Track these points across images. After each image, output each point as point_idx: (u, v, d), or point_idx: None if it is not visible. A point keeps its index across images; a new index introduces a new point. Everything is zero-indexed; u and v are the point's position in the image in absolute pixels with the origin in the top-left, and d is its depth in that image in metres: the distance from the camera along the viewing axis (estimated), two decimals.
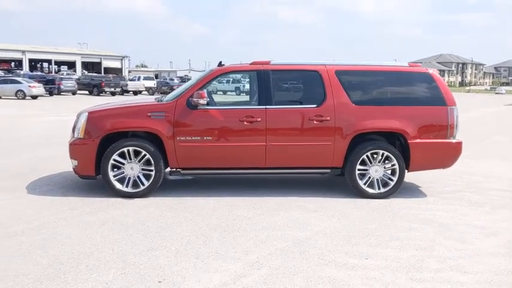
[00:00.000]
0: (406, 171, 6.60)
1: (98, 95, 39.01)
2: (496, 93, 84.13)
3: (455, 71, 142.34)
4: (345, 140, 6.40)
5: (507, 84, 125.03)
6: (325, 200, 6.41)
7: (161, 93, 43.33)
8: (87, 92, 40.74)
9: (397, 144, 6.73)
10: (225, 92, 30.59)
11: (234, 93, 30.31)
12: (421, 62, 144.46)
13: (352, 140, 6.45)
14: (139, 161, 6.29)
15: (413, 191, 7.05)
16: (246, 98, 6.91)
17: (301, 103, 6.51)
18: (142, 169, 6.32)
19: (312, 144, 6.41)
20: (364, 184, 6.53)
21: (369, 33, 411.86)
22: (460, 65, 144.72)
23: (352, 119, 6.40)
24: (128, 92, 41.54)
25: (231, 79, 29.77)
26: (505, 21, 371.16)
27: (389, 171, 6.60)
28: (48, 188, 6.76)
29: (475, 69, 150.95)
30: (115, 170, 6.30)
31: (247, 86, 7.44)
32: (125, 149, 6.23)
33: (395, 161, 6.49)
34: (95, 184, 6.78)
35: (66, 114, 19.21)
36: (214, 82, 6.60)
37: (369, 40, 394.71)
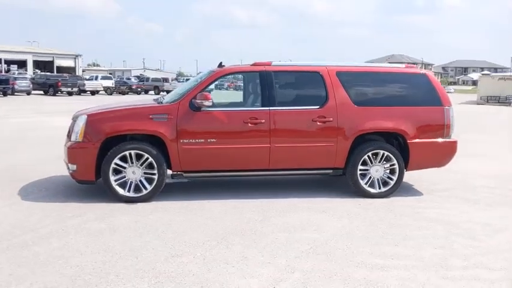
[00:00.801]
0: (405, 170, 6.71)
1: (54, 95, 37.72)
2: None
3: None
4: (347, 141, 6.47)
5: (454, 83, 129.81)
6: (328, 200, 6.45)
7: (119, 93, 42.51)
8: (42, 92, 39.30)
9: (395, 144, 6.84)
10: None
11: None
12: (373, 62, 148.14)
13: (354, 140, 6.51)
14: (141, 165, 6.13)
15: (408, 189, 7.19)
16: (246, 99, 6.82)
17: (303, 104, 6.52)
18: (145, 173, 6.16)
19: (315, 145, 6.44)
20: (365, 184, 6.61)
21: (322, 34, 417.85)
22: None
23: (354, 119, 6.47)
24: (85, 91, 40.42)
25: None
26: (448, 23, 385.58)
27: (388, 171, 6.69)
28: (42, 194, 6.49)
29: (425, 69, 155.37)
30: (116, 174, 6.09)
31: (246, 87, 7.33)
32: (127, 153, 6.06)
33: (395, 161, 6.60)
34: (90, 189, 6.58)
35: (32, 115, 18.49)
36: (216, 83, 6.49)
37: (323, 40, 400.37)
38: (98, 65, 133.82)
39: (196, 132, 6.19)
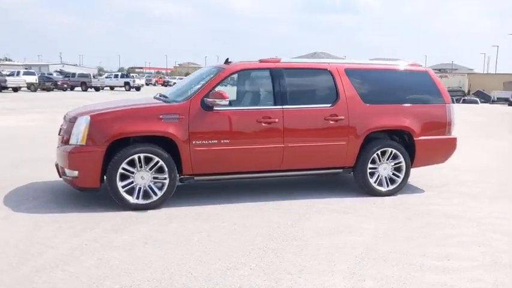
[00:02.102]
0: None
1: None
2: None
3: None
4: (358, 139, 6.37)
5: None
6: (341, 200, 6.33)
7: (43, 90, 40.11)
8: None
9: (399, 141, 6.84)
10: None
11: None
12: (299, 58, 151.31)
13: (365, 138, 6.43)
14: (150, 169, 5.66)
15: (407, 186, 7.19)
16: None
17: (314, 102, 6.34)
18: (154, 178, 5.69)
19: (328, 144, 6.29)
20: (375, 182, 6.55)
21: (245, 30, 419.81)
22: None
23: (364, 117, 6.38)
24: (6, 88, 37.66)
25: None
26: (367, 23, 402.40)
27: (394, 169, 6.68)
28: (34, 203, 5.82)
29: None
30: (122, 180, 5.60)
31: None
32: (136, 156, 5.56)
33: (402, 159, 6.60)
34: (82, 196, 6.06)
35: None
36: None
37: (246, 37, 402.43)
38: (10, 60, 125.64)
39: (209, 132, 5.81)
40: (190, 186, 6.49)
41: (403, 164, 6.63)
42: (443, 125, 6.82)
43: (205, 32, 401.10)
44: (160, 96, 6.67)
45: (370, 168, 6.53)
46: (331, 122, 6.26)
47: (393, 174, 6.68)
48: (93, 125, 5.48)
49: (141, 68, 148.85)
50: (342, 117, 6.29)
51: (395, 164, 6.64)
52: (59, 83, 42.24)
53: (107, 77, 50.52)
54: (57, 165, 5.97)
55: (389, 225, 5.32)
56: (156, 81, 71.10)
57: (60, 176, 5.99)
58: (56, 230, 4.88)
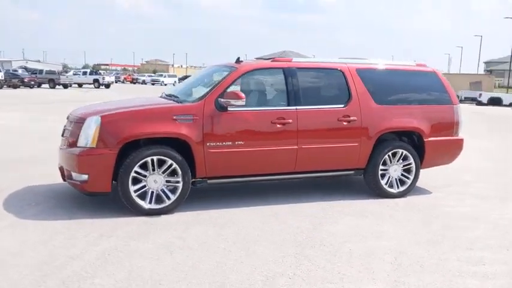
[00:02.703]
0: None
1: None
2: None
3: None
4: (370, 141, 6.29)
5: None
6: (352, 203, 6.25)
7: (9, 87, 38.79)
8: None
9: (407, 142, 6.79)
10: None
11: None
12: (263, 58, 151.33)
13: (377, 140, 6.35)
14: (163, 172, 5.42)
15: (414, 187, 7.15)
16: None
17: (327, 103, 6.22)
18: (167, 181, 5.46)
19: (340, 145, 6.18)
20: (385, 184, 6.48)
21: (213, 28, 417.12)
22: None
23: (376, 118, 6.31)
24: None
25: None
26: (334, 22, 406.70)
27: (403, 170, 6.63)
28: (38, 209, 5.51)
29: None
30: (134, 184, 5.35)
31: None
32: (149, 159, 5.31)
33: (412, 160, 6.56)
34: (87, 200, 5.78)
35: None
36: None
37: (214, 35, 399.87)
38: None
39: (223, 134, 5.61)
40: (199, 190, 6.26)
41: (413, 165, 6.59)
42: (451, 126, 6.81)
43: (173, 29, 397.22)
44: (167, 95, 6.41)
45: (381, 170, 6.45)
46: (344, 123, 6.15)
47: (402, 175, 6.62)
48: (104, 126, 5.20)
49: (107, 64, 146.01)
50: (355, 118, 6.19)
51: (404, 165, 6.59)
52: (25, 80, 40.81)
53: (74, 74, 49.20)
54: (61, 169, 5.65)
55: (410, 229, 5.25)
56: (125, 79, 69.74)
57: (65, 180, 5.68)
58: (71, 238, 4.60)
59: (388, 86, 6.59)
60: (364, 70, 6.46)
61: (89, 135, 5.21)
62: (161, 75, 68.54)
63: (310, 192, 6.66)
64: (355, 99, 6.24)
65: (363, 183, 6.74)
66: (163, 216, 5.37)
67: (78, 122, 5.41)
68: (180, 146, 5.50)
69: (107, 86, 46.23)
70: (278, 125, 5.81)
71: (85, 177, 5.23)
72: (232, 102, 5.51)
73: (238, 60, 6.22)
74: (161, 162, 5.40)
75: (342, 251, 4.49)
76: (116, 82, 61.04)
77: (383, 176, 6.49)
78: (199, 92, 5.96)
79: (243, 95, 5.46)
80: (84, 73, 48.21)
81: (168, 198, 5.45)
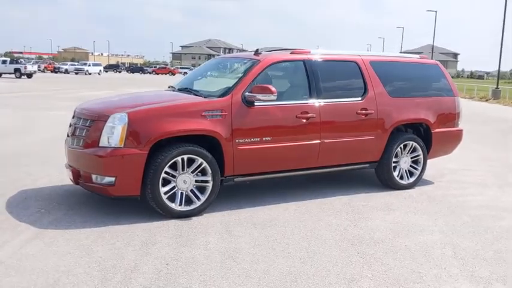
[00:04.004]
0: None
1: None
2: None
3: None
4: (385, 133, 6.31)
5: None
6: (371, 196, 6.26)
7: None
8: None
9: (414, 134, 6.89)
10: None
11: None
12: (192, 46, 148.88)
13: (391, 132, 6.37)
14: (192, 172, 5.10)
15: None
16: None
17: (346, 96, 6.14)
18: (196, 181, 5.15)
19: (359, 139, 6.15)
20: (397, 176, 6.54)
21: (130, 14, 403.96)
22: (227, 50, 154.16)
23: (390, 111, 6.33)
24: None
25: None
26: (249, 11, 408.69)
27: (412, 162, 6.72)
28: (52, 217, 5.02)
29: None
30: (164, 185, 5.00)
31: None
32: (179, 158, 4.97)
33: (420, 152, 6.66)
34: (100, 204, 5.38)
35: None
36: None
37: (131, 21, 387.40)
38: None
39: (252, 129, 5.38)
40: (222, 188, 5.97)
41: (421, 156, 6.70)
42: (453, 117, 6.98)
43: (91, 16, 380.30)
44: (181, 89, 6.03)
45: (394, 162, 6.49)
46: (362, 116, 6.11)
47: (411, 166, 6.70)
48: (132, 124, 4.79)
49: (21, 52, 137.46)
50: (372, 111, 6.16)
51: (413, 157, 6.67)
52: None
53: (28, 63, 45.64)
54: (74, 171, 5.14)
55: (444, 221, 5.31)
56: (46, 68, 65.76)
57: (77, 183, 5.19)
58: (112, 248, 4.21)
59: (399, 78, 6.63)
60: (377, 62, 6.44)
61: (114, 134, 4.77)
62: (85, 64, 65.46)
63: (319, 187, 6.58)
64: (371, 92, 6.21)
65: (364, 176, 6.75)
66: (194, 219, 5.07)
67: (99, 120, 4.93)
68: (207, 144, 5.18)
69: (29, 75, 43.36)
70: (303, 120, 5.64)
71: (111, 179, 4.79)
72: (261, 96, 5.26)
73: (257, 52, 5.97)
74: (190, 162, 5.06)
75: (399, 248, 4.44)
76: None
77: (395, 168, 6.52)
78: (219, 85, 5.66)
79: (274, 89, 5.23)
80: (4, 62, 44.78)
81: (198, 199, 5.14)
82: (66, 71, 63.63)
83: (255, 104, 5.36)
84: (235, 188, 6.02)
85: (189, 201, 5.11)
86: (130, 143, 4.76)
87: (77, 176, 5.15)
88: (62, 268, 3.77)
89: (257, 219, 5.11)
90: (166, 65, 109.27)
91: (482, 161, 8.96)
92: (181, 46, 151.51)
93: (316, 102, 5.78)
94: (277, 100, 5.55)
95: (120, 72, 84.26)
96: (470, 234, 4.90)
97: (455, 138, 7.08)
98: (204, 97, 5.39)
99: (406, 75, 6.70)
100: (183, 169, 5.03)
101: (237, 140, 5.24)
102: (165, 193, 4.96)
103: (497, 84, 33.22)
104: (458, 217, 5.44)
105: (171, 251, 4.16)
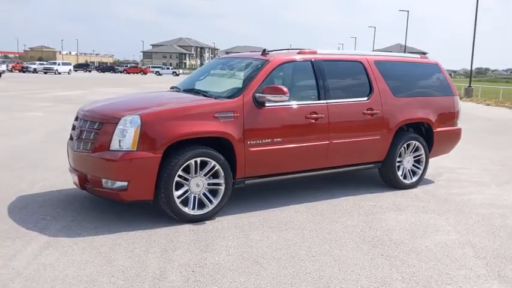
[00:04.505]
0: None
1: None
2: None
3: (195, 55, 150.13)
4: (390, 133, 6.32)
5: None
6: (376, 196, 6.25)
7: None
8: None
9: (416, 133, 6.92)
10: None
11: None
12: (163, 45, 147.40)
13: (395, 132, 6.38)
14: (205, 175, 4.99)
15: None
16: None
17: (352, 96, 6.11)
18: (209, 184, 5.04)
19: (365, 139, 6.14)
20: (401, 176, 6.56)
21: (99, 12, 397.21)
22: (199, 49, 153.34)
23: (394, 111, 6.34)
24: None
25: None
26: (219, 9, 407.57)
27: (414, 161, 6.75)
28: (60, 224, 4.82)
29: (211, 53, 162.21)
30: (177, 189, 4.88)
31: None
32: (192, 161, 4.85)
33: (422, 151, 6.70)
34: (106, 208, 5.23)
35: None
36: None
37: (100, 19, 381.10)
38: None
39: (263, 131, 5.30)
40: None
41: (423, 155, 6.73)
42: (453, 116, 7.04)
43: (59, 14, 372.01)
44: (187, 90, 5.90)
45: (397, 162, 6.50)
46: (368, 116, 6.09)
47: (414, 166, 6.73)
48: (146, 126, 4.64)
49: None
50: (378, 111, 6.16)
51: (415, 156, 6.70)
52: None
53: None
54: (80, 175, 4.96)
55: (455, 220, 5.34)
56: (13, 67, 63.96)
57: (83, 188, 5.01)
58: (132, 255, 4.07)
59: (402, 78, 6.64)
60: (381, 62, 6.44)
61: (126, 137, 4.62)
62: (54, 63, 63.94)
63: (328, 187, 6.56)
64: (376, 92, 6.20)
65: (366, 175, 6.78)
66: (207, 223, 4.95)
67: (108, 122, 4.76)
68: (218, 146, 5.08)
69: None
70: (312, 120, 5.59)
71: (123, 184, 4.64)
72: (272, 97, 5.17)
73: (264, 52, 5.88)
74: (203, 164, 4.94)
75: (420, 249, 4.43)
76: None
77: (398, 167, 6.54)
78: (227, 86, 5.56)
79: (286, 89, 5.16)
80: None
81: (211, 202, 5.02)
82: (35, 71, 62.07)
83: (266, 104, 5.26)
84: (241, 190, 5.90)
85: (201, 204, 4.99)
86: (144, 146, 4.61)
87: (83, 181, 4.96)
88: (85, 278, 3.60)
89: (271, 222, 5.02)
90: (137, 64, 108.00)
91: (474, 159, 9.07)
92: (152, 45, 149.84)
93: (324, 103, 5.73)
94: (286, 101, 5.47)
95: (90, 71, 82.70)
96: (485, 233, 4.92)
97: (455, 137, 7.14)
98: (215, 98, 5.27)
99: (408, 75, 6.72)
100: (195, 172, 4.90)
101: (248, 142, 5.15)
102: (178, 197, 4.82)
103: (470, 83, 33.96)
104: (468, 216, 5.47)
105: (193, 257, 4.04)
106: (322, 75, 5.80)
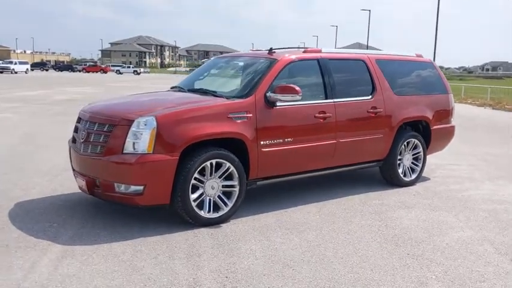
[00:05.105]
0: None
1: None
2: None
3: (155, 53, 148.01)
4: (392, 132, 6.36)
5: (199, 65, 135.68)
6: (380, 194, 6.29)
7: None
8: None
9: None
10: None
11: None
12: (122, 43, 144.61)
13: (397, 130, 6.43)
14: (219, 177, 4.88)
15: None
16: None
17: (357, 95, 6.11)
18: (223, 186, 4.93)
19: (369, 138, 6.16)
20: (401, 173, 6.62)
21: (55, 9, 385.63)
22: (159, 47, 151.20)
23: (396, 109, 6.39)
24: None
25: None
26: (180, 7, 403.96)
27: (413, 159, 6.83)
28: (72, 232, 4.60)
29: (172, 52, 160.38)
30: (192, 192, 4.75)
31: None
32: (208, 163, 4.73)
33: (421, 148, 6.78)
34: (115, 213, 5.05)
35: None
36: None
37: (56, 17, 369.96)
38: None
39: (275, 131, 5.23)
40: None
41: (422, 153, 6.81)
42: (448, 113, 7.16)
43: (12, 11, 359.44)
44: (192, 90, 5.75)
45: (398, 160, 6.55)
46: (372, 115, 6.11)
47: (412, 163, 6.80)
48: (162, 128, 4.48)
49: None
50: (381, 109, 6.19)
51: (414, 154, 6.78)
52: None
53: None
54: (89, 180, 4.74)
55: (464, 217, 5.41)
56: None
57: (92, 193, 4.80)
58: (157, 262, 3.93)
59: (401, 76, 6.70)
60: (382, 61, 6.47)
61: (142, 139, 4.45)
62: (11, 62, 61.62)
63: (332, 186, 6.55)
64: (378, 90, 6.22)
65: (359, 174, 6.93)
66: (223, 226, 4.84)
67: (120, 124, 4.57)
68: (230, 147, 4.97)
69: None
70: (320, 120, 5.56)
71: (139, 188, 4.46)
72: (284, 97, 5.10)
73: (271, 50, 5.79)
74: (217, 166, 4.82)
75: (442, 247, 4.45)
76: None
77: (399, 165, 6.59)
78: (236, 85, 5.45)
79: (299, 88, 5.09)
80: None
81: (226, 205, 4.91)
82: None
83: (277, 104, 5.19)
84: (248, 192, 5.81)
85: (216, 207, 4.86)
86: (160, 149, 4.45)
87: (92, 186, 4.74)
88: None
89: (287, 224, 4.96)
90: (95, 62, 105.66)
91: (459, 155, 9.26)
92: (111, 43, 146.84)
93: (331, 102, 5.70)
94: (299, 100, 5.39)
95: (47, 70, 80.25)
96: (497, 228, 5.00)
97: (450, 134, 7.26)
98: (226, 98, 5.15)
99: (406, 73, 6.79)
100: (210, 174, 4.78)
101: (261, 142, 5.07)
102: (194, 200, 4.69)
103: None
104: (475, 212, 5.55)
105: (222, 263, 3.93)
106: (329, 74, 5.77)
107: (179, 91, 5.90)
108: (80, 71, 76.68)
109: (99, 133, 4.72)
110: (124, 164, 4.43)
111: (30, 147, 8.87)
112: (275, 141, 5.18)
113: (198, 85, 5.93)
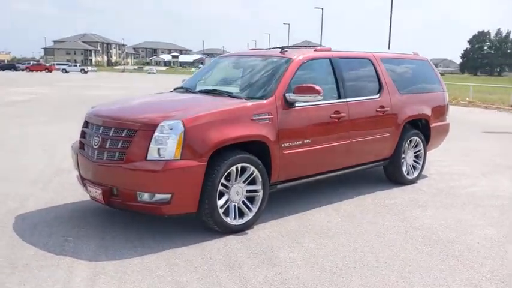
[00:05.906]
0: None
1: None
2: (148, 73, 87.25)
3: (101, 51, 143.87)
4: (398, 130, 6.37)
5: (148, 64, 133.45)
6: (388, 193, 6.28)
7: None
8: None
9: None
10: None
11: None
12: (66, 41, 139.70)
13: (402, 128, 6.44)
14: (244, 181, 4.69)
15: None
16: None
17: (366, 94, 6.06)
18: (247, 191, 4.74)
19: (378, 137, 6.13)
20: (404, 171, 6.65)
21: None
22: (105, 45, 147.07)
23: (401, 107, 6.40)
24: None
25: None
26: (126, 4, 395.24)
27: (414, 156, 6.87)
28: (93, 245, 4.27)
29: (119, 50, 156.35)
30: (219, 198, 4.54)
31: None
32: (234, 168, 4.53)
33: (421, 146, 6.83)
34: (129, 224, 4.78)
35: None
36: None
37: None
38: None
39: (295, 132, 5.09)
40: None
41: (422, 151, 6.86)
42: (444, 111, 7.25)
43: None
44: (203, 91, 5.50)
45: (402, 158, 6.56)
46: (380, 114, 6.08)
47: (414, 161, 6.84)
48: (189, 132, 4.23)
49: None
50: (388, 108, 6.17)
51: (415, 151, 6.81)
52: None
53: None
54: (105, 189, 4.42)
55: (479, 213, 5.46)
56: None
57: (108, 203, 4.48)
58: (199, 276, 3.70)
59: (403, 75, 6.72)
60: (386, 59, 6.45)
61: (168, 145, 4.18)
62: None
63: (337, 187, 6.47)
64: (385, 89, 6.20)
65: (360, 173, 6.75)
66: (249, 232, 4.65)
67: (142, 129, 4.28)
68: (252, 150, 4.78)
69: None
70: (335, 120, 5.46)
71: (166, 197, 4.20)
72: (304, 97, 4.97)
73: (283, 50, 5.63)
74: (242, 171, 4.63)
75: (475, 246, 4.44)
76: None
77: (402, 163, 6.60)
78: (251, 86, 5.29)
79: (319, 88, 4.96)
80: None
81: (250, 210, 4.72)
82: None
83: (296, 105, 5.04)
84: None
85: (240, 213, 4.66)
86: (188, 154, 4.20)
87: (108, 195, 4.42)
88: None
89: (311, 228, 4.83)
90: (38, 61, 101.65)
91: (445, 152, 9.40)
92: (54, 41, 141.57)
93: (344, 101, 5.62)
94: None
95: None
96: None
97: (446, 131, 7.36)
98: (245, 99, 4.94)
99: (408, 72, 6.81)
100: (235, 179, 4.57)
101: (282, 144, 4.90)
102: (221, 207, 4.47)
103: None
104: (486, 209, 5.62)
105: (266, 273, 3.75)
106: (340, 72, 5.67)
107: (188, 92, 5.63)
108: (23, 70, 73.41)
109: (116, 139, 4.40)
110: (149, 171, 4.14)
111: (2, 153, 8.29)
112: (295, 142, 5.04)
113: (207, 86, 5.68)
